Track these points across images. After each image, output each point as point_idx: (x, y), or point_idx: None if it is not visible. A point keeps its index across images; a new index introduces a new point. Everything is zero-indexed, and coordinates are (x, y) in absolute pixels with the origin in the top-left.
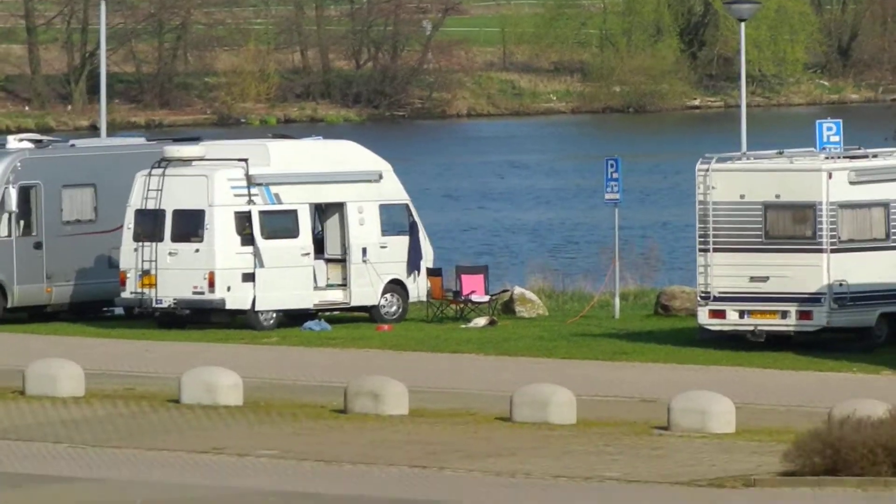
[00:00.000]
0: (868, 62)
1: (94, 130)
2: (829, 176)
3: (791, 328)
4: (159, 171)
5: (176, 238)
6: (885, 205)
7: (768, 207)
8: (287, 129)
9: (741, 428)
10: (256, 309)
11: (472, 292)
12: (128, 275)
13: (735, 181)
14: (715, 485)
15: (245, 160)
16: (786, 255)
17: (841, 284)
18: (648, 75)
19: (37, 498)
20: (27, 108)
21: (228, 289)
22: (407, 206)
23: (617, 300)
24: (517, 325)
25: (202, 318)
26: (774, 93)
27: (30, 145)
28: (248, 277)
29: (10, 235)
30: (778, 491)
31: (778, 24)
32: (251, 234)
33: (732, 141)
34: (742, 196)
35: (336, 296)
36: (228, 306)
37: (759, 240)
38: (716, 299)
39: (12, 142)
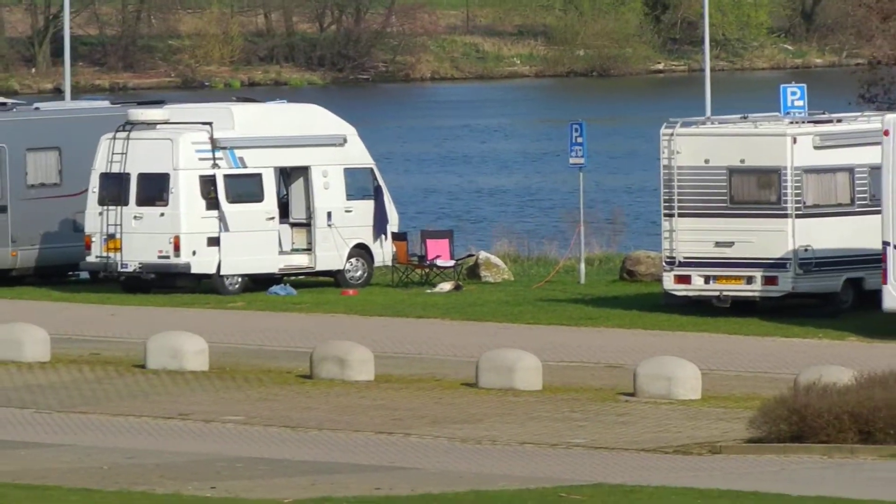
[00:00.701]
0: (832, 26)
1: (58, 93)
2: (794, 141)
3: (756, 294)
4: (124, 134)
5: (141, 202)
6: (849, 170)
7: (733, 172)
8: (251, 92)
9: (707, 394)
10: (222, 273)
11: (438, 257)
12: (93, 239)
13: (699, 146)
14: (681, 451)
15: (209, 123)
16: (751, 221)
17: (806, 250)
18: (612, 39)
19: (2, 464)
20: None
21: (194, 253)
22: (372, 170)
23: (582, 265)
24: (482, 290)
25: (167, 282)
26: (738, 57)
27: None
28: (214, 241)
29: None
30: (744, 458)
31: None
32: (216, 198)
33: (697, 105)
34: (707, 161)
35: (301, 260)
36: (194, 270)
37: (724, 205)
38: (681, 264)
39: None
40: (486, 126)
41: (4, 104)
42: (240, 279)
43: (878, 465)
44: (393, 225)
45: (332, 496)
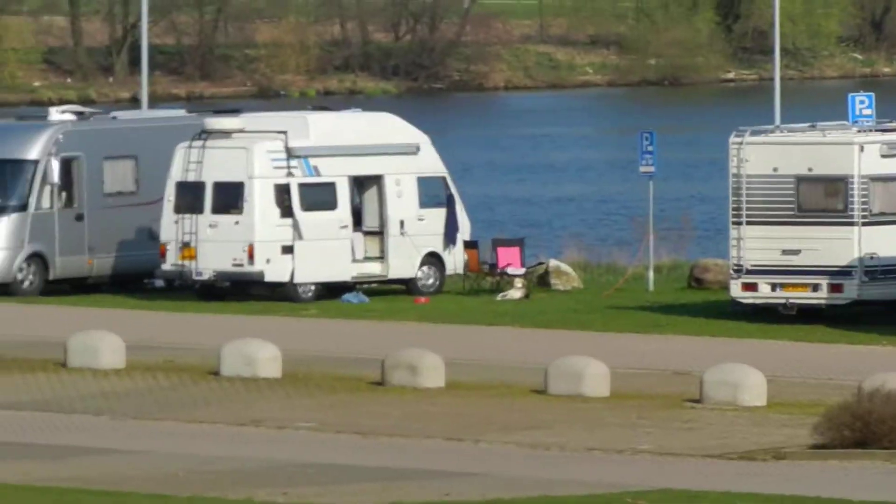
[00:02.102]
0: None
1: (135, 102)
2: (861, 149)
3: (822, 301)
4: (199, 143)
5: (216, 210)
6: None
7: (801, 180)
8: (326, 101)
9: (772, 401)
10: (295, 281)
11: (508, 265)
12: (168, 247)
13: (768, 154)
14: (746, 458)
15: (284, 132)
16: (817, 228)
17: (872, 257)
18: (684, 48)
19: (77, 470)
20: (69, 79)
21: (268, 261)
22: (444, 178)
23: (651, 273)
24: (552, 298)
25: (241, 290)
26: (808, 66)
27: (72, 117)
28: (287, 250)
29: (51, 207)
30: (808, 464)
31: None
32: (290, 207)
33: (766, 114)
34: (775, 169)
35: (374, 268)
36: (267, 278)
37: (792, 212)
38: (748, 272)
39: (54, 114)
40: (559, 135)
41: (82, 113)
42: (313, 287)
43: None
44: (465, 233)
45: (402, 502)
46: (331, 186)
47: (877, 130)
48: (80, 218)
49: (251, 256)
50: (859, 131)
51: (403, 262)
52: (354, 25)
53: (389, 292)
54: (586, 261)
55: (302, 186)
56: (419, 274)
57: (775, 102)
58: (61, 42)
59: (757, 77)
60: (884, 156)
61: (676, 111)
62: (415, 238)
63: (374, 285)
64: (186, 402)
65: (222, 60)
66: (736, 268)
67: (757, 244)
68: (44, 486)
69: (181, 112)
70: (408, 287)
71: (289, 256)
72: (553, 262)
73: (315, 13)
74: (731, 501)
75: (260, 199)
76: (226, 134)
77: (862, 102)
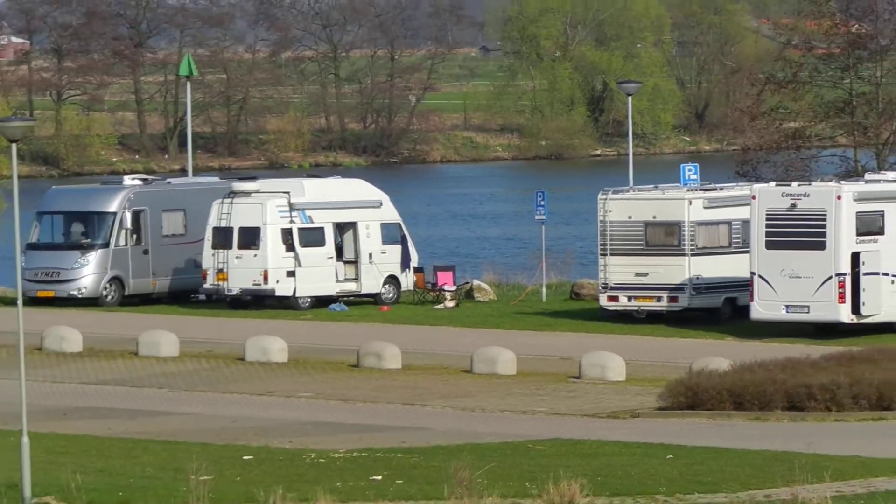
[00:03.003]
0: (716, 123)
1: (183, 172)
2: (690, 203)
3: (663, 308)
4: (229, 200)
5: (241, 246)
6: (728, 223)
7: (648, 225)
8: (316, 171)
9: (630, 377)
10: (297, 295)
11: (445, 284)
12: (208, 272)
13: (625, 206)
14: (612, 416)
15: (288, 192)
16: (660, 258)
17: (698, 278)
18: (565, 133)
19: (146, 426)
20: (137, 156)
21: (277, 282)
22: (399, 224)
23: (544, 289)
24: (475, 307)
25: (259, 302)
26: (651, 145)
27: (139, 182)
28: (291, 274)
29: (126, 245)
30: (655, 420)
31: (654, 97)
32: (293, 244)
33: (623, 179)
34: (629, 217)
35: (351, 286)
36: (277, 294)
37: (642, 247)
38: (612, 288)
39: (127, 180)
40: (479, 194)
41: (146, 179)
42: (309, 299)
43: (747, 425)
44: (414, 262)
45: (372, 447)
46: (321, 230)
47: (701, 190)
48: (145, 252)
49: (265, 279)
50: (689, 190)
51: (371, 282)
52: (335, 118)
53: (362, 303)
54: (499, 281)
55: (300, 230)
56: (383, 290)
57: (629, 171)
58: (131, 130)
59: (616, 153)
60: (706, 207)
61: (561, 177)
62: (379, 265)
63: (351, 298)
64: (221, 379)
65: (243, 143)
66: (603, 285)
67: (618, 269)
68: (122, 437)
69: (215, 179)
70: (375, 299)
71: (292, 279)
72: (476, 282)
73: (308, 109)
74: (603, 447)
75: (271, 239)
76: (246, 193)
77: (690, 170)
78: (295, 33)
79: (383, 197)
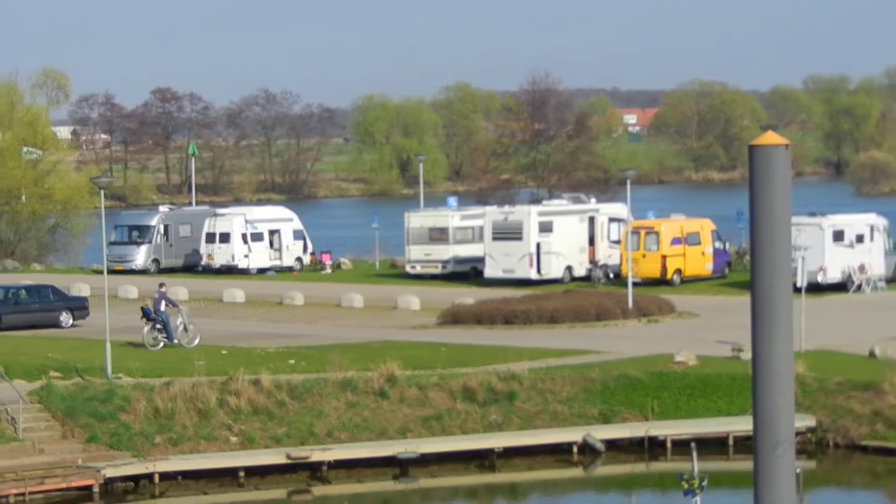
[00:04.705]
0: (466, 175)
1: (190, 205)
2: (452, 217)
3: (439, 272)
4: (214, 218)
5: (220, 242)
6: (473, 228)
7: (430, 228)
8: (259, 203)
9: (422, 308)
10: (249, 267)
11: (325, 260)
12: (203, 256)
13: (418, 219)
14: (413, 328)
15: (244, 214)
16: (437, 245)
17: (457, 255)
18: (387, 182)
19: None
20: (165, 196)
21: (239, 260)
22: (302, 230)
23: (377, 262)
24: (342, 273)
25: (230, 271)
26: (432, 187)
27: (168, 209)
28: (246, 256)
29: (160, 242)
30: (435, 330)
31: (434, 163)
32: (247, 241)
33: (417, 205)
34: (421, 224)
35: (277, 263)
36: (240, 267)
37: (427, 240)
38: (412, 262)
39: (161, 208)
40: (342, 215)
41: (172, 208)
42: (255, 269)
43: (484, 332)
44: (309, 249)
45: (289, 346)
46: (262, 233)
47: (458, 210)
48: (171, 246)
49: (234, 259)
50: (452, 211)
51: (288, 260)
52: (269, 175)
53: (283, 271)
54: (355, 258)
55: (252, 233)
56: (294, 264)
57: (421, 201)
58: (163, 182)
59: (414, 192)
60: (461, 219)
61: (387, 206)
62: (291, 251)
63: (277, 269)
64: (210, 312)
65: (221, 188)
66: (408, 260)
67: (415, 251)
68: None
69: (207, 207)
70: (290, 269)
71: (247, 258)
72: (342, 259)
73: (255, 171)
74: (409, 345)
75: (236, 238)
76: (223, 215)
77: (453, 201)
78: (248, 131)
79: (293, 215)
